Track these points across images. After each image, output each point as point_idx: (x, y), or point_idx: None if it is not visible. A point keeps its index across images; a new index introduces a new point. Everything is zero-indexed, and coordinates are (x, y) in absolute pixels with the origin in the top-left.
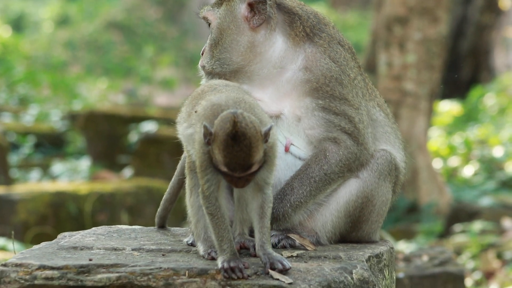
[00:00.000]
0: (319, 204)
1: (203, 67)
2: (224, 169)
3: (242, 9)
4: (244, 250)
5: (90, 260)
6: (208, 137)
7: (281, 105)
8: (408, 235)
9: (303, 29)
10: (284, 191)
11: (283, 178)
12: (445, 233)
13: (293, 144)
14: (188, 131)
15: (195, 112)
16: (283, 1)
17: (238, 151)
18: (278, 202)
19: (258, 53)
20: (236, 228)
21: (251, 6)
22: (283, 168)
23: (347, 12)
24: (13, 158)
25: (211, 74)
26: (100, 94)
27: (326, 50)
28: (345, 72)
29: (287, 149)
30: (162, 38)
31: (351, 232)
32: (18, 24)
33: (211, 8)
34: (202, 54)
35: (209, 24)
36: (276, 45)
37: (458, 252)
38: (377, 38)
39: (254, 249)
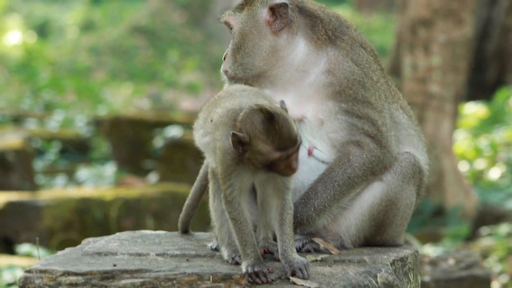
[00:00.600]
0: (343, 208)
1: (226, 72)
2: (277, 155)
3: (264, 13)
4: (268, 255)
5: (114, 265)
6: (242, 145)
7: (304, 109)
8: (434, 239)
9: (325, 33)
10: (308, 195)
11: (307, 182)
12: (472, 236)
13: (316, 148)
14: (204, 140)
15: (211, 121)
16: (305, 4)
17: (281, 127)
18: (302, 206)
19: (280, 57)
20: (260, 232)
21: (272, 10)
22: (306, 171)
23: (372, 15)
24: (39, 164)
25: (234, 79)
26: (125, 99)
27: (349, 53)
28: (367, 75)
29: (310, 153)
30: (187, 42)
31: (376, 236)
32: (42, 30)
33: (233, 13)
34: (224, 58)
35: (231, 29)
36: (298, 48)
37: (485, 255)
38: (401, 41)
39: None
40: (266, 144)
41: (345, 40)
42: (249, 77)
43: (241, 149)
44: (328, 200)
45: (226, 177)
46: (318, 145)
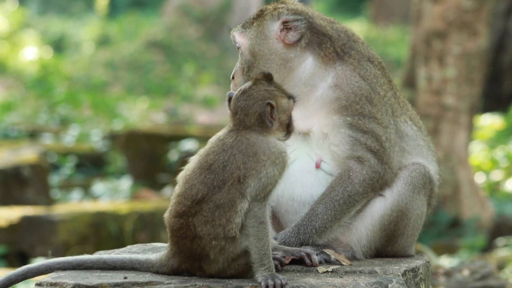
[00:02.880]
0: (352, 217)
1: None
2: (292, 103)
3: (276, 27)
4: None
5: (125, 278)
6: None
7: (310, 123)
8: (450, 250)
9: (333, 50)
10: (309, 217)
11: (315, 194)
12: (488, 248)
13: (323, 161)
14: None
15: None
16: (314, 20)
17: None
18: (304, 228)
19: (290, 71)
20: None
21: (286, 23)
22: (315, 184)
23: (388, 27)
24: (54, 179)
25: None
26: (141, 114)
27: (356, 68)
28: (375, 90)
29: (317, 166)
30: (203, 56)
31: (387, 246)
32: (58, 45)
33: (242, 29)
34: (233, 78)
35: (238, 47)
36: (307, 62)
37: (501, 266)
38: (416, 53)
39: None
40: (283, 97)
41: (352, 55)
42: None
43: (269, 117)
44: (329, 221)
45: (268, 196)
46: (325, 158)
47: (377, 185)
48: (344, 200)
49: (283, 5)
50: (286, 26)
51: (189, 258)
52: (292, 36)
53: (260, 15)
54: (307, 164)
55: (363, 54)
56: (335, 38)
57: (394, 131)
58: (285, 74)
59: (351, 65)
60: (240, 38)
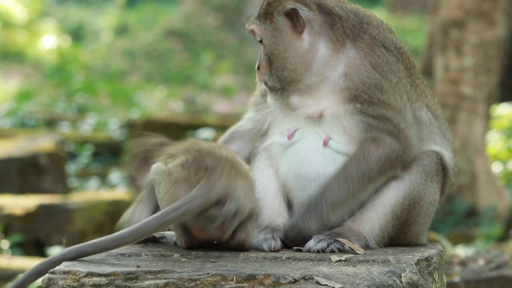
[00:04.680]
0: (364, 206)
1: (266, 83)
2: None
3: (284, 21)
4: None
5: (138, 266)
6: None
7: (322, 107)
8: (467, 240)
9: (343, 32)
10: (322, 190)
11: (321, 171)
12: (504, 237)
13: (331, 139)
14: None
15: None
16: (323, 3)
17: None
18: (316, 202)
19: (306, 63)
20: None
21: (288, 15)
22: (322, 162)
23: (406, 16)
24: (71, 167)
25: (274, 89)
26: (158, 102)
27: (367, 55)
28: (386, 77)
29: (325, 143)
30: (221, 45)
31: (400, 235)
32: (77, 34)
33: (258, 22)
34: (259, 68)
35: (260, 40)
36: (321, 51)
37: None
38: (433, 42)
39: None
40: None
41: (365, 40)
42: (285, 86)
43: None
44: (342, 195)
45: None
46: (335, 136)
47: (396, 163)
48: (358, 177)
49: None
50: (293, 16)
51: None
52: (299, 25)
53: (269, 10)
54: (315, 143)
55: (377, 38)
56: (345, 19)
57: (411, 114)
58: (302, 69)
59: (362, 51)
60: (259, 31)
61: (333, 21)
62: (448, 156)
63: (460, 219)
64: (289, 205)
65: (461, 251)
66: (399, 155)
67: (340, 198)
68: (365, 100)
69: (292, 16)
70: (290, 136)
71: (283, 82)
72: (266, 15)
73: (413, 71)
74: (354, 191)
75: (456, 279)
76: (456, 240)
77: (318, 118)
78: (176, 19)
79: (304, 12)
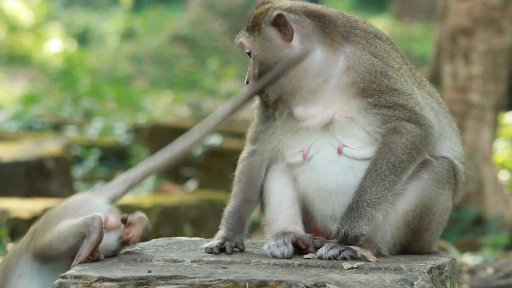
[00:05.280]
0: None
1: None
2: None
3: (272, 31)
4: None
5: (149, 272)
6: None
7: (331, 112)
8: (473, 248)
9: (337, 31)
10: (358, 193)
11: (340, 181)
12: (511, 246)
13: (345, 146)
14: None
15: None
16: (308, 7)
17: None
18: (355, 204)
19: (303, 69)
20: None
21: (276, 24)
22: (338, 171)
23: (412, 24)
24: (78, 171)
25: (267, 103)
26: (165, 107)
27: (365, 46)
28: (388, 64)
29: (339, 151)
30: (227, 51)
31: (412, 242)
32: (83, 38)
33: (247, 34)
34: (247, 83)
35: (247, 53)
36: (316, 54)
37: None
38: (441, 50)
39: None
40: None
41: (358, 34)
42: (282, 96)
43: None
44: (379, 191)
45: None
46: (348, 142)
47: (422, 147)
48: (389, 170)
49: (269, 5)
50: (280, 25)
51: None
52: (287, 33)
53: (256, 22)
54: (330, 153)
55: (369, 31)
56: (335, 18)
57: (420, 96)
58: (300, 76)
59: (360, 44)
60: (248, 44)
61: (324, 23)
62: (458, 151)
63: (467, 227)
64: (310, 217)
65: (468, 259)
66: (423, 138)
67: (379, 196)
68: (374, 91)
69: (280, 24)
70: (305, 156)
71: (278, 94)
72: (253, 27)
73: (407, 60)
74: (390, 185)
75: (465, 287)
76: (463, 248)
77: (329, 125)
78: (183, 24)
79: (290, 17)
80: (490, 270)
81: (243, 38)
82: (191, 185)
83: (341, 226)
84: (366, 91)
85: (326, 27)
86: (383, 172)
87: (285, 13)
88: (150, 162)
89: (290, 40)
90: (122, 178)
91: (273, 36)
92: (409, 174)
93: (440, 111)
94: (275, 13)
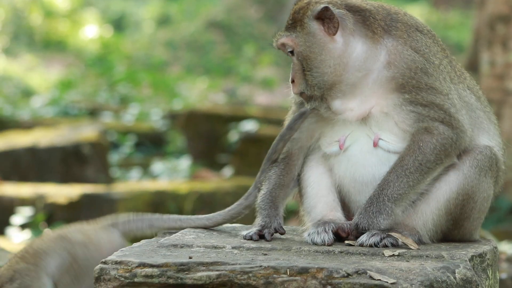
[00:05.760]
0: (420, 200)
1: (302, 93)
2: None
3: (316, 25)
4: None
5: (190, 258)
6: None
7: (368, 106)
8: (511, 236)
9: (378, 24)
10: (381, 186)
11: (377, 173)
12: None
13: (381, 139)
14: None
15: None
16: (348, 1)
17: None
18: (376, 197)
19: (345, 63)
20: None
21: (319, 18)
22: (376, 164)
23: (448, 11)
24: (114, 157)
25: (312, 99)
26: (200, 94)
27: (407, 41)
28: (429, 60)
29: (375, 144)
30: (263, 37)
31: (453, 230)
32: (119, 24)
33: (288, 33)
34: (293, 81)
35: (290, 51)
36: (358, 49)
37: None
38: (479, 37)
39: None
40: None
41: (399, 28)
42: (324, 92)
43: None
44: (402, 188)
45: None
46: (384, 136)
47: (451, 151)
48: (415, 168)
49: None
50: (323, 20)
51: None
52: (333, 26)
53: (297, 17)
54: (366, 145)
55: (410, 24)
56: (375, 12)
57: (457, 96)
58: (340, 71)
59: (401, 38)
60: (290, 42)
61: (364, 17)
62: (496, 143)
63: (504, 215)
64: (346, 208)
65: (506, 247)
66: (454, 142)
67: (401, 192)
68: (413, 87)
69: (324, 18)
70: (342, 146)
71: (323, 88)
72: (295, 23)
73: (448, 53)
74: (414, 183)
75: (503, 275)
76: (501, 237)
77: (366, 118)
78: (218, 10)
79: (336, 10)
80: None
81: (283, 38)
82: (227, 171)
83: (359, 221)
84: (405, 87)
85: (367, 20)
86: (409, 169)
87: (330, 5)
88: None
89: (334, 34)
90: (145, 217)
91: (316, 30)
92: (434, 176)
93: (478, 106)
94: (321, 6)
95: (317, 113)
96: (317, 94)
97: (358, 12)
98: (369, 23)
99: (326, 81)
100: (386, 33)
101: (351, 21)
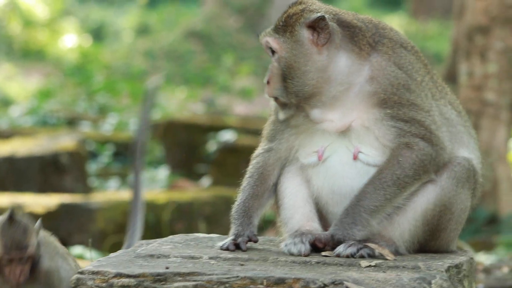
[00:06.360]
0: (396, 211)
1: (276, 98)
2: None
3: (306, 33)
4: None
5: (167, 268)
6: None
7: (349, 119)
8: (488, 247)
9: (366, 42)
10: (358, 197)
11: (355, 185)
12: None
13: (361, 152)
14: None
15: None
16: (341, 16)
17: (15, 231)
18: (352, 208)
19: (328, 75)
20: None
21: (312, 27)
22: (354, 175)
23: (428, 21)
24: (92, 167)
25: (286, 106)
26: (179, 103)
27: (391, 57)
28: (412, 77)
29: (355, 157)
30: (242, 47)
31: (430, 241)
32: (98, 34)
33: (276, 35)
34: (268, 83)
35: (273, 52)
36: (341, 63)
37: None
38: (458, 48)
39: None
40: None
41: (385, 44)
42: (301, 101)
43: None
44: (378, 200)
45: None
46: (364, 149)
47: (430, 167)
48: (393, 182)
49: (303, 6)
50: (315, 29)
51: None
52: (322, 39)
53: (289, 22)
54: (346, 157)
55: (396, 40)
56: (365, 29)
57: (438, 113)
58: (322, 83)
59: (386, 54)
60: (276, 44)
61: (353, 33)
62: (476, 158)
63: (481, 226)
64: (323, 219)
65: (482, 258)
66: (433, 158)
67: (377, 204)
68: (395, 103)
69: (316, 28)
70: (320, 157)
71: (301, 98)
72: (285, 27)
73: (429, 68)
74: (391, 196)
75: (480, 286)
76: (477, 247)
77: (346, 131)
78: (197, 20)
79: (330, 23)
80: (505, 269)
81: (271, 38)
82: (206, 181)
83: (334, 232)
84: (386, 102)
85: (356, 37)
86: (387, 182)
87: (326, 16)
88: None
89: (323, 45)
90: None
91: (305, 39)
92: (411, 191)
93: (459, 121)
94: (317, 15)
95: (296, 124)
96: (293, 102)
97: (348, 28)
98: (357, 39)
99: (306, 91)
100: (372, 49)
101: (339, 36)
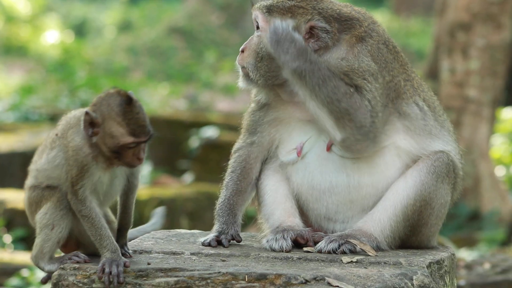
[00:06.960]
0: (375, 207)
1: (243, 67)
2: (129, 139)
3: (302, 28)
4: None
5: (149, 264)
6: (93, 126)
7: None
8: (470, 243)
9: (362, 30)
10: None
11: (334, 181)
12: (507, 241)
13: (334, 144)
14: (51, 155)
15: (56, 135)
16: (343, 11)
17: (138, 113)
18: None
19: None
20: None
21: (312, 29)
22: (332, 169)
23: (410, 18)
24: None
25: (252, 82)
26: (161, 100)
27: (371, 50)
28: (381, 73)
29: (328, 149)
30: (224, 44)
31: (411, 236)
32: (80, 30)
33: (268, 15)
34: (243, 51)
35: (257, 27)
36: (326, 57)
37: None
38: (439, 45)
39: None
40: (121, 126)
41: (373, 37)
42: (268, 85)
43: (91, 131)
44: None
45: (79, 177)
46: None
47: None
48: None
49: (314, 3)
50: (312, 31)
51: None
52: (313, 45)
53: (291, 10)
54: (322, 151)
55: (381, 36)
56: (362, 19)
57: (386, 115)
58: None
59: (370, 46)
60: (264, 24)
61: (350, 24)
62: (452, 149)
63: (463, 222)
64: (304, 216)
65: (464, 254)
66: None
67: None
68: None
69: (314, 31)
70: (299, 153)
71: (268, 83)
72: (284, 12)
73: (407, 67)
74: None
75: (462, 282)
76: (459, 243)
77: (315, 121)
78: (180, 16)
79: (323, 35)
80: (487, 266)
81: (262, 17)
82: (188, 177)
83: None
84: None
85: (352, 27)
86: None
87: (322, 26)
88: None
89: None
90: None
91: (300, 32)
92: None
93: (430, 115)
94: (320, 23)
95: (276, 115)
96: (259, 84)
97: (346, 21)
98: (354, 29)
99: (275, 81)
100: (360, 40)
101: (336, 36)
